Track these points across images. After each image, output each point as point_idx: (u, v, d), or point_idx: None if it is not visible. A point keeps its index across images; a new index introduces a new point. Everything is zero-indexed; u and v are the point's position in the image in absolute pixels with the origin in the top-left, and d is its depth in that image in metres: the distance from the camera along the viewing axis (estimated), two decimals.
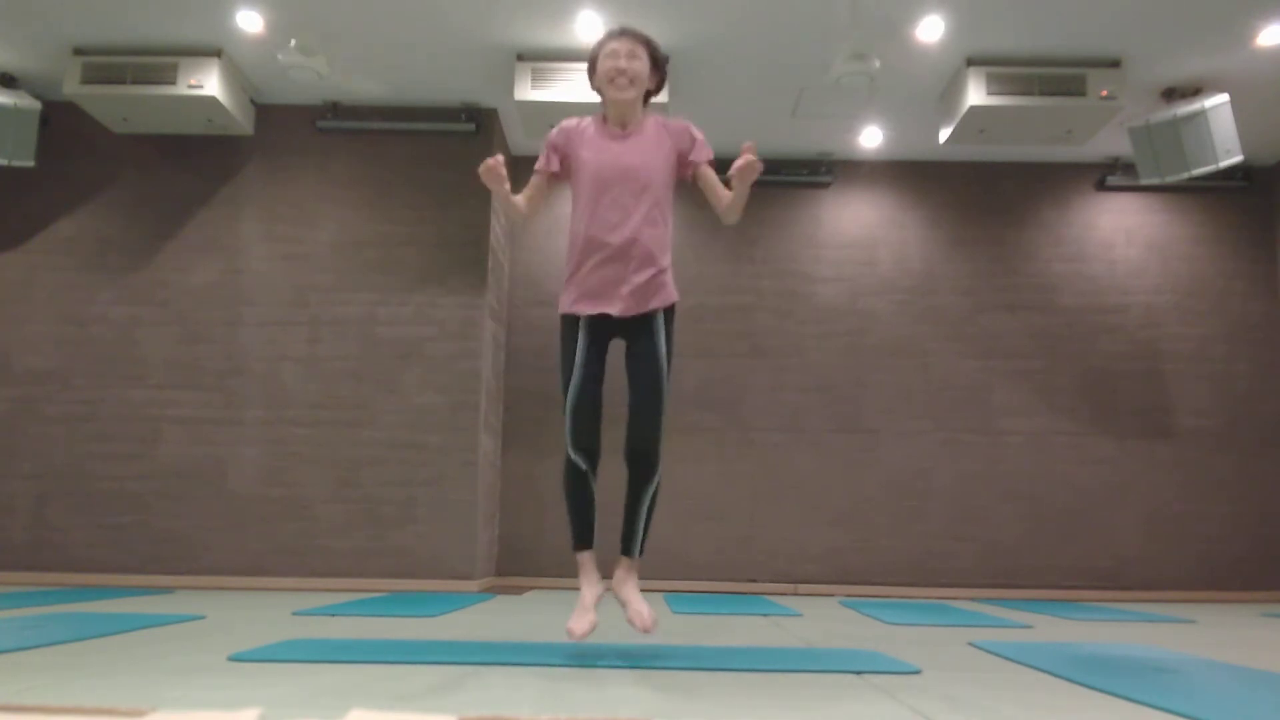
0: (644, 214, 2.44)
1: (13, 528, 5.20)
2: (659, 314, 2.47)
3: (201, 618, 3.37)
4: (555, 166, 2.54)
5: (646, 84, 2.52)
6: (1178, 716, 1.74)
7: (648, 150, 2.49)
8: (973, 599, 5.40)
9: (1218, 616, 4.48)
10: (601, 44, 2.54)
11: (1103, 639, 3.33)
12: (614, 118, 2.52)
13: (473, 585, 5.12)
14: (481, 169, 2.34)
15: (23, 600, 3.97)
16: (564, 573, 5.46)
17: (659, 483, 2.44)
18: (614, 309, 2.41)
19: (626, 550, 2.46)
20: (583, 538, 2.49)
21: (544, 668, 2.25)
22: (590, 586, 2.42)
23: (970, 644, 3.02)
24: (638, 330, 2.45)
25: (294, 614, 3.62)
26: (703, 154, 2.54)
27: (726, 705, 1.82)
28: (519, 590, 5.23)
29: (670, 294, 2.50)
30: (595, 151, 2.48)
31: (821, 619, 3.88)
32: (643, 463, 2.40)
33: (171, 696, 1.77)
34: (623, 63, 2.46)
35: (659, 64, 2.55)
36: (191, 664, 2.22)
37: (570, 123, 2.56)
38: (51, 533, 5.19)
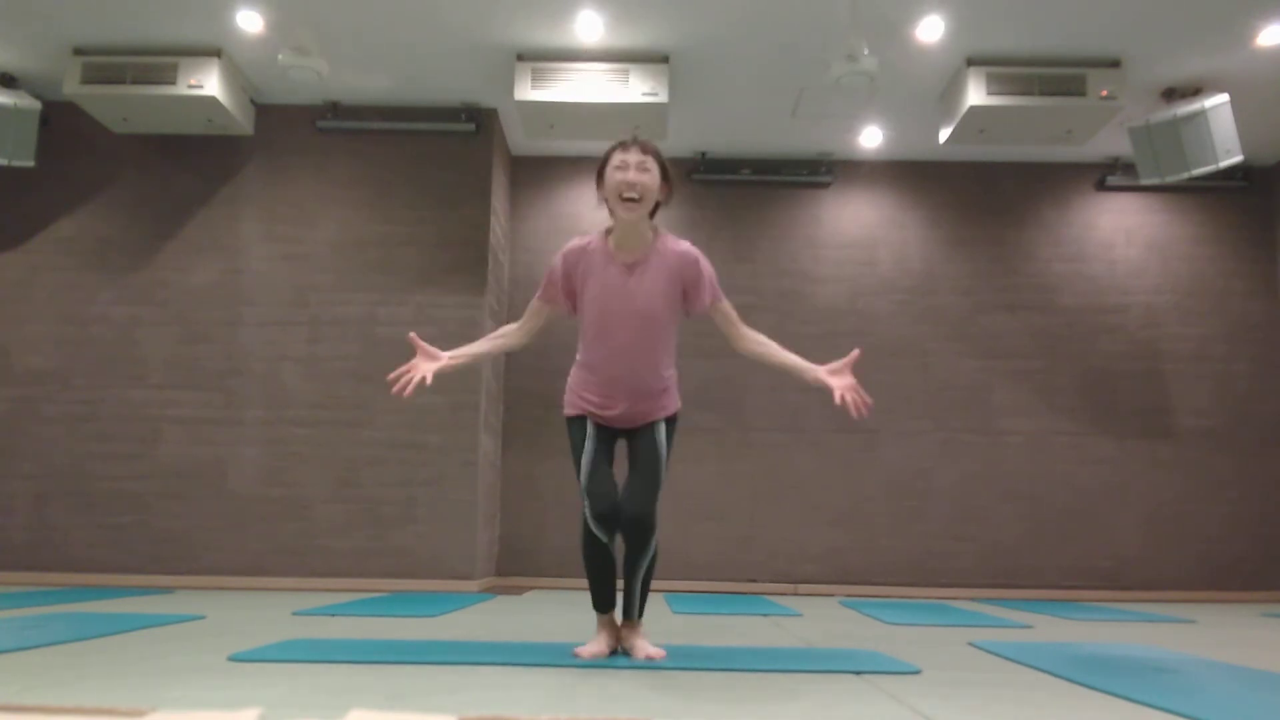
0: (650, 348, 2.45)
1: (13, 528, 5.20)
2: (660, 420, 2.51)
3: (201, 618, 3.37)
4: (560, 302, 2.48)
5: (655, 197, 2.41)
6: (1178, 716, 1.74)
7: (654, 286, 2.42)
8: (973, 599, 5.40)
9: (1218, 616, 4.48)
10: (610, 154, 2.44)
11: (1103, 639, 3.33)
12: (621, 241, 2.42)
13: (473, 585, 5.12)
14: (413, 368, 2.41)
15: (23, 600, 3.97)
16: (564, 573, 5.46)
17: (656, 550, 2.45)
18: (617, 424, 2.49)
19: (628, 615, 2.52)
20: (603, 604, 2.54)
21: (544, 668, 2.25)
22: (606, 637, 2.52)
23: (970, 644, 3.02)
24: (639, 434, 2.50)
25: (294, 614, 3.62)
26: (708, 298, 2.46)
27: (726, 705, 1.82)
28: (519, 590, 5.23)
29: (673, 405, 2.54)
30: (601, 286, 2.42)
31: (821, 619, 3.88)
32: (637, 529, 2.38)
33: (171, 696, 1.77)
34: (632, 175, 2.36)
35: (668, 176, 2.45)
36: (191, 664, 2.22)
37: (574, 248, 2.46)
38: (51, 533, 5.19)
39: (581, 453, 2.48)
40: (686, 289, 2.44)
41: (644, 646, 2.45)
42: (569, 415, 2.54)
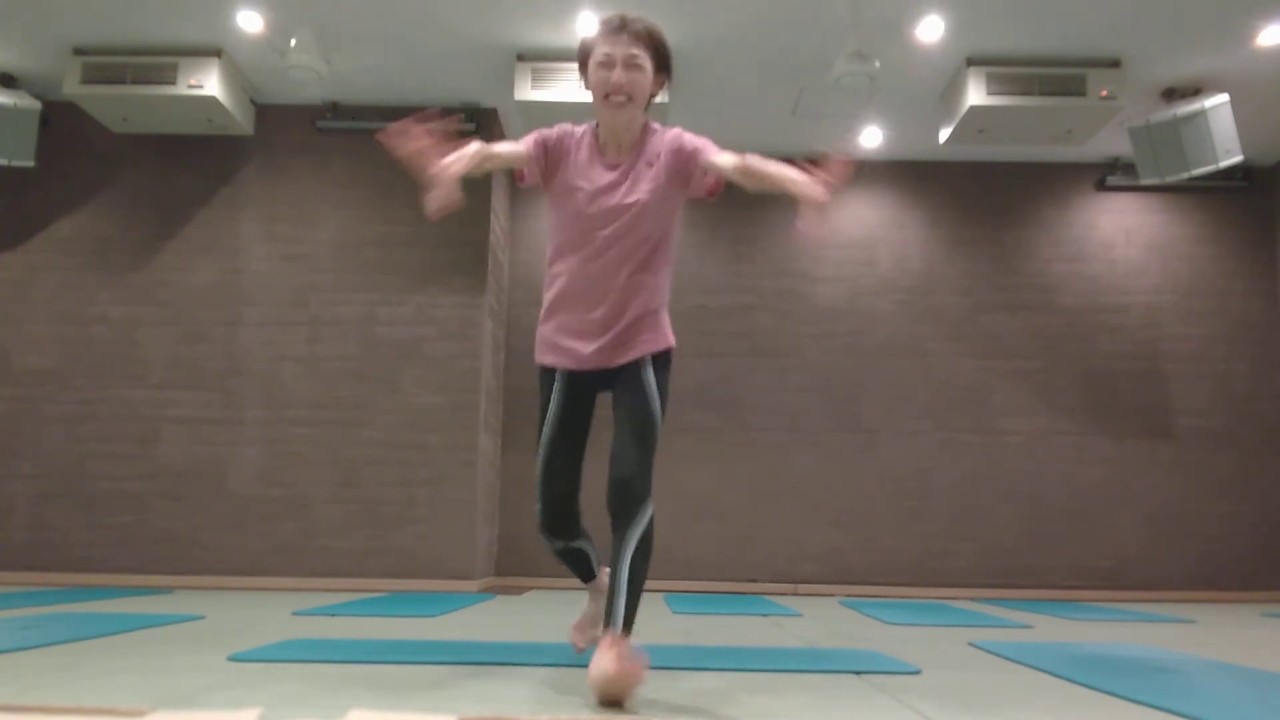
0: (637, 263, 2.04)
1: (13, 528, 5.20)
2: (646, 360, 2.04)
3: (201, 618, 3.37)
4: (534, 170, 2.09)
5: (649, 93, 2.06)
6: (1178, 716, 1.74)
7: (644, 183, 2.04)
8: (973, 599, 5.40)
9: (1218, 616, 4.48)
10: (594, 42, 2.04)
11: (1103, 639, 3.33)
12: (607, 138, 2.08)
13: (472, 585, 5.12)
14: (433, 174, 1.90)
15: (23, 600, 3.97)
16: (563, 573, 5.44)
17: (649, 532, 1.91)
18: (590, 363, 2.04)
19: (608, 620, 1.87)
20: (583, 575, 2.31)
21: (544, 668, 2.25)
22: (597, 604, 2.30)
23: (970, 644, 3.02)
24: (622, 380, 2.03)
25: (294, 614, 3.62)
26: (699, 154, 2.02)
27: (727, 705, 1.82)
28: (519, 590, 5.23)
29: (662, 338, 2.08)
30: (582, 183, 2.05)
31: (821, 619, 3.88)
32: (623, 495, 1.89)
33: (171, 696, 1.77)
34: (618, 74, 1.98)
35: (666, 65, 2.09)
36: (191, 664, 2.22)
37: (567, 131, 2.12)
38: (51, 533, 5.19)
39: (544, 421, 2.08)
40: (683, 171, 2.04)
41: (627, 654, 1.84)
42: (540, 364, 2.14)
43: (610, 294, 2.02)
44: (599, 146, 2.10)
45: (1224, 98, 4.86)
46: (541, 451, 2.07)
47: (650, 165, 2.06)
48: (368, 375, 5.30)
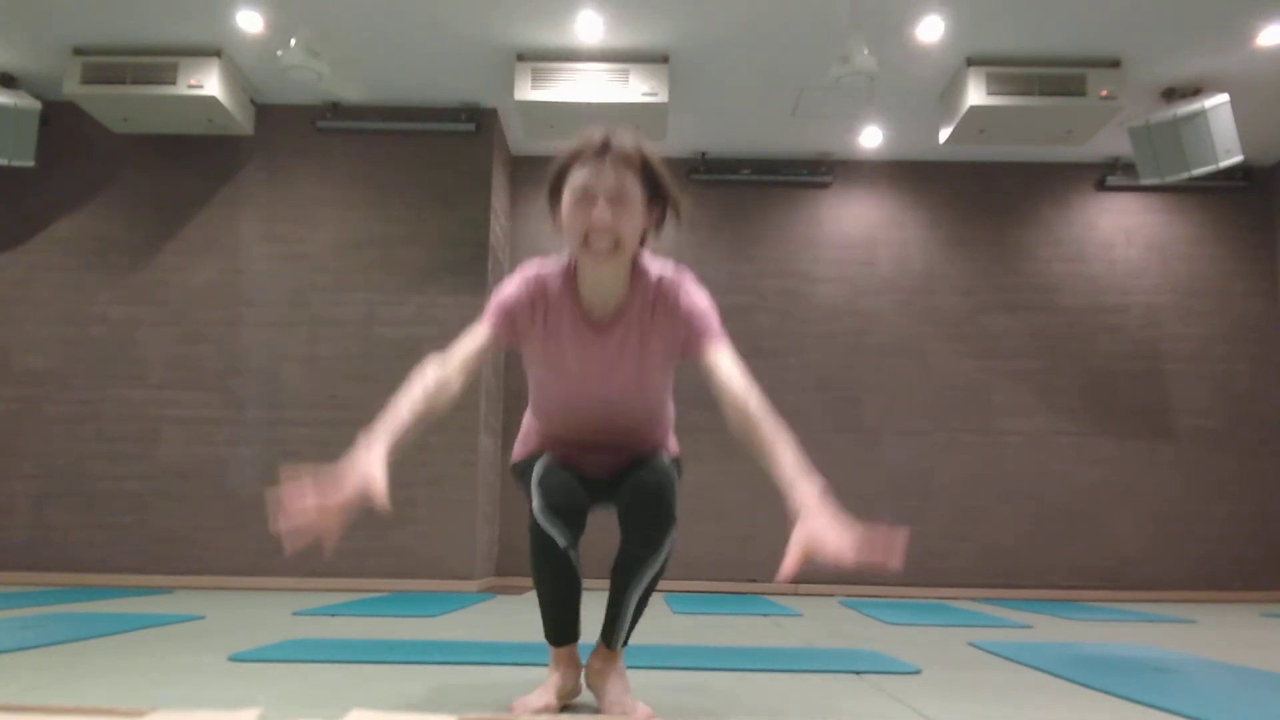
0: (635, 409, 1.79)
1: (13, 528, 5.20)
2: (659, 450, 1.82)
3: (201, 618, 3.37)
4: (505, 340, 1.72)
5: (640, 234, 1.64)
6: (1178, 716, 1.75)
7: (638, 345, 1.69)
8: (973, 599, 5.40)
9: (1218, 616, 4.48)
10: (569, 164, 1.62)
11: (1103, 639, 3.33)
12: (591, 293, 1.67)
13: (472, 585, 5.12)
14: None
15: (23, 600, 3.97)
16: None
17: (669, 559, 1.73)
18: (594, 471, 1.80)
19: (608, 639, 1.74)
20: (561, 633, 1.76)
21: (544, 668, 2.25)
22: (560, 680, 1.76)
23: (970, 644, 3.02)
24: (629, 465, 1.78)
25: (294, 614, 3.62)
26: (704, 340, 1.66)
27: (727, 705, 1.82)
28: (519, 590, 5.23)
29: (671, 444, 1.91)
30: (562, 346, 1.70)
31: (821, 619, 3.88)
32: (656, 504, 1.66)
33: (171, 696, 1.77)
34: (601, 214, 1.57)
35: (663, 191, 1.64)
36: (191, 664, 2.22)
37: (536, 278, 1.70)
38: (51, 533, 5.19)
39: (532, 472, 1.76)
40: (680, 351, 1.71)
41: (621, 695, 1.69)
42: (519, 460, 1.89)
43: (608, 433, 1.78)
44: (579, 301, 1.68)
45: (1224, 98, 4.86)
46: (539, 470, 1.74)
47: (644, 321, 1.68)
48: (368, 375, 5.30)
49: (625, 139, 1.60)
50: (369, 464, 1.48)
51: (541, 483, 1.70)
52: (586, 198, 1.57)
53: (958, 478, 5.82)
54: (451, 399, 1.63)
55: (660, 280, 1.68)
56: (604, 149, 1.58)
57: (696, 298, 1.67)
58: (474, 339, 1.69)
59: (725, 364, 1.62)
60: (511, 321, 1.69)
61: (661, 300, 1.67)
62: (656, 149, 1.65)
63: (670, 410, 1.89)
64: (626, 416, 1.78)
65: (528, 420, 1.90)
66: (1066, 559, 5.73)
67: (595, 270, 1.63)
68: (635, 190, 1.58)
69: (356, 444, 1.31)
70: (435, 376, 1.63)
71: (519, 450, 1.90)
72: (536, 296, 1.69)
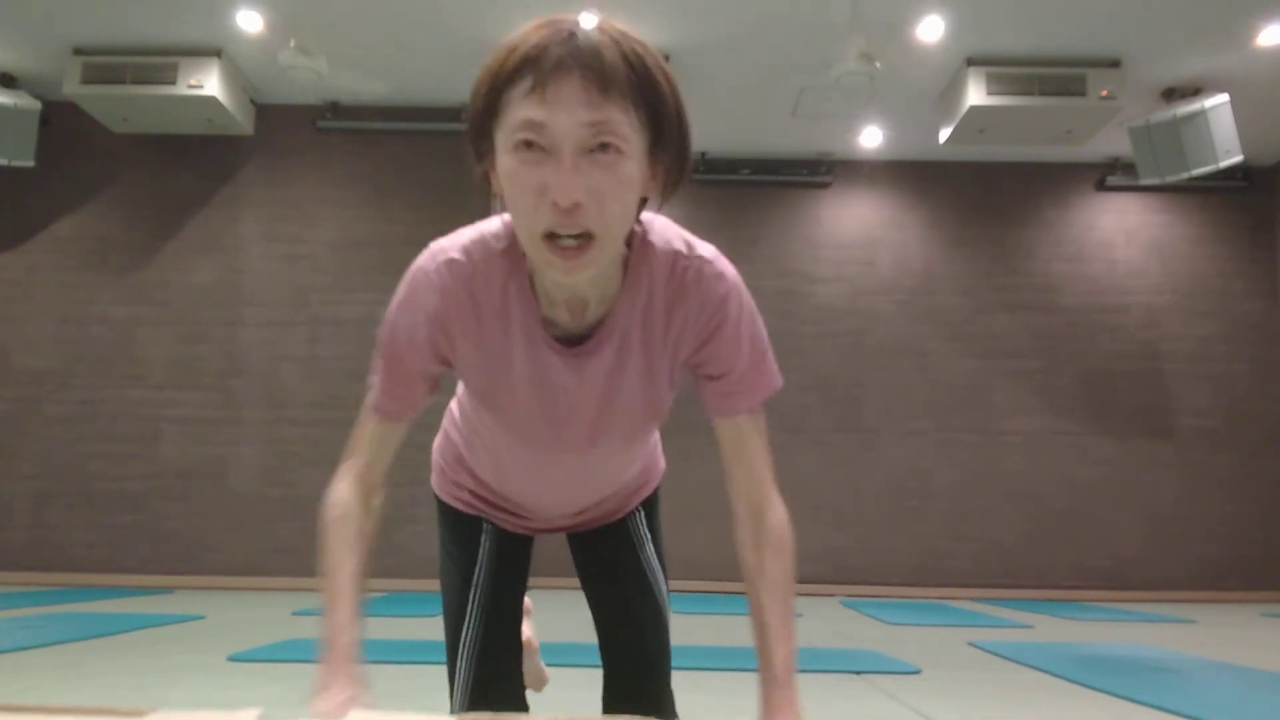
0: (611, 489, 1.25)
1: (13, 528, 5.20)
2: (634, 514, 1.35)
3: (201, 618, 3.37)
4: (414, 405, 1.09)
5: (636, 208, 0.90)
6: (1178, 716, 1.75)
7: (633, 374, 1.03)
8: (973, 599, 5.40)
9: (1218, 616, 4.48)
10: (502, 83, 0.84)
11: (1103, 639, 3.32)
12: (553, 298, 0.98)
13: None
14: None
15: (23, 600, 3.97)
16: (559, 572, 5.44)
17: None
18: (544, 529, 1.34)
19: None
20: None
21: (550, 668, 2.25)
22: None
23: (970, 644, 3.02)
24: (599, 542, 1.35)
25: (294, 614, 3.62)
26: (737, 402, 1.01)
27: (727, 705, 1.82)
28: None
29: (651, 483, 1.37)
30: (514, 379, 1.04)
31: (821, 619, 3.88)
32: (646, 703, 1.30)
33: (171, 696, 1.77)
34: (565, 182, 0.81)
35: (671, 126, 0.87)
36: (191, 664, 2.22)
37: (452, 289, 1.00)
38: (51, 533, 5.19)
39: (456, 575, 1.27)
40: (702, 366, 1.01)
41: None
42: (442, 501, 1.34)
43: (569, 495, 1.22)
44: (536, 308, 0.99)
45: (1224, 98, 4.86)
46: (469, 627, 1.24)
47: (650, 334, 1.00)
48: (368, 375, 5.30)
49: (604, 31, 0.83)
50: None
51: (478, 665, 1.21)
52: (536, 151, 0.81)
53: (958, 478, 5.81)
54: (369, 532, 1.07)
55: (680, 268, 0.96)
56: (572, 49, 0.81)
57: (744, 323, 0.98)
58: (371, 438, 1.11)
59: (758, 462, 1.03)
60: (409, 377, 1.04)
61: (682, 303, 0.97)
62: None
63: (656, 442, 1.36)
64: (605, 485, 1.22)
65: (457, 441, 1.27)
66: (1066, 559, 5.73)
67: (559, 281, 0.90)
68: (628, 128, 0.82)
69: (322, 676, 0.87)
70: (355, 528, 1.04)
71: (439, 480, 1.33)
72: (458, 308, 0.99)
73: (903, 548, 5.73)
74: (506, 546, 1.31)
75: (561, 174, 0.80)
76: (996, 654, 2.74)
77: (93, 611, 3.50)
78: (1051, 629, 3.70)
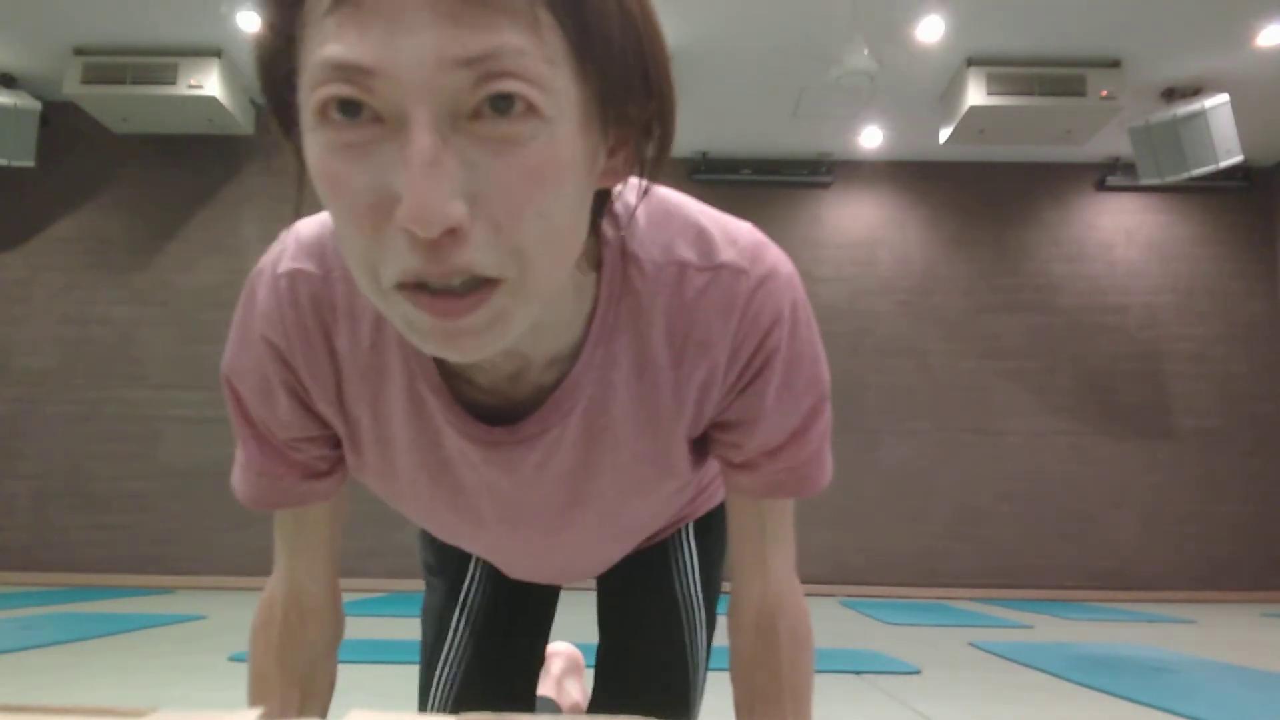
0: (624, 547, 0.91)
1: (13, 528, 5.20)
2: (680, 532, 1.01)
3: (202, 618, 3.37)
4: (313, 488, 0.76)
5: (583, 208, 0.50)
6: (1178, 717, 1.75)
7: (584, 472, 0.67)
8: (973, 599, 5.40)
9: (1218, 616, 4.48)
10: (291, 5, 0.45)
11: (1103, 639, 3.32)
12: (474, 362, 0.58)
13: None
14: None
15: (23, 600, 3.97)
16: None
17: None
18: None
19: None
20: None
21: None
22: None
23: (970, 644, 3.02)
24: (626, 570, 1.00)
25: None
26: (784, 480, 0.70)
27: (727, 705, 1.82)
28: None
29: (704, 500, 0.96)
30: (399, 464, 0.73)
31: (822, 619, 3.89)
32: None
33: (171, 696, 1.77)
34: (426, 190, 0.41)
35: (621, 55, 0.46)
36: (191, 664, 2.22)
37: (282, 307, 0.64)
38: (51, 533, 5.19)
39: (435, 595, 1.12)
40: (723, 421, 0.68)
41: None
42: (424, 554, 1.17)
43: (588, 562, 0.92)
44: (430, 368, 0.62)
45: (1224, 98, 4.86)
46: (444, 666, 1.03)
47: (632, 396, 0.64)
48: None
49: None
50: None
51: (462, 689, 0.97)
52: (366, 126, 0.44)
53: (958, 478, 5.81)
54: (331, 642, 0.84)
55: (693, 289, 0.64)
56: None
57: (798, 364, 0.74)
58: (282, 539, 0.79)
59: (778, 558, 0.77)
60: (288, 454, 0.71)
61: (701, 342, 0.64)
62: None
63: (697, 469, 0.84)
64: (625, 544, 0.90)
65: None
66: (1066, 559, 5.72)
67: (451, 357, 0.50)
68: (542, 61, 0.43)
69: None
70: (278, 638, 0.76)
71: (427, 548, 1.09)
72: (298, 356, 0.66)
73: (903, 548, 5.73)
74: (505, 588, 1.00)
75: (414, 169, 0.42)
76: (996, 654, 2.74)
77: (93, 611, 3.50)
78: (1051, 629, 3.70)
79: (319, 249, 0.63)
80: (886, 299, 6.01)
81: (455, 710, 0.92)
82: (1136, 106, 5.08)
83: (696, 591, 0.97)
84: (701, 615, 0.98)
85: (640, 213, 0.61)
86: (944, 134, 5.20)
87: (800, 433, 0.66)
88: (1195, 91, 5.01)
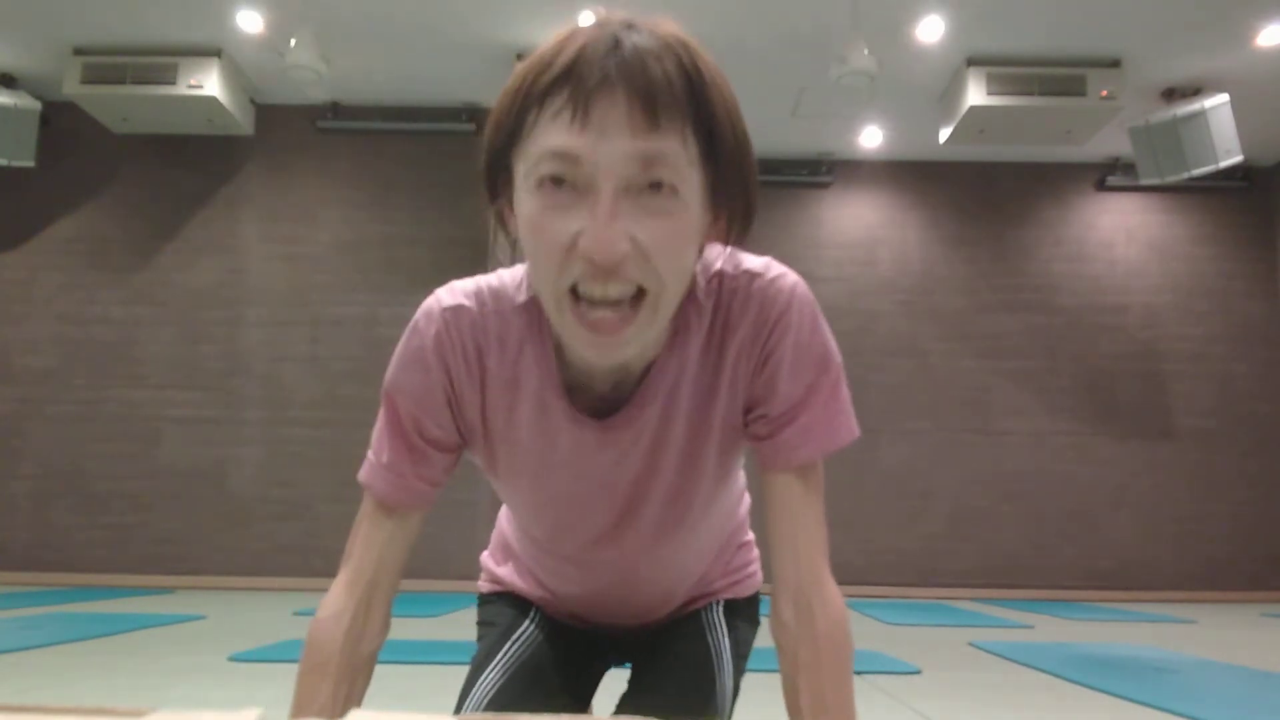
0: (682, 573, 1.07)
1: (13, 528, 5.20)
2: (713, 606, 1.15)
3: (202, 618, 3.37)
4: (424, 493, 0.90)
5: (693, 259, 0.76)
6: (1178, 717, 1.75)
7: (686, 438, 0.86)
8: (973, 599, 5.40)
9: (1218, 616, 4.48)
10: (524, 104, 0.70)
11: (1103, 639, 3.32)
12: (590, 371, 0.81)
13: (474, 585, 5.12)
14: None
15: (23, 600, 3.97)
16: None
17: None
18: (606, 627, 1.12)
19: None
20: None
21: None
22: None
23: (970, 644, 3.02)
24: (666, 631, 1.11)
25: (294, 614, 3.62)
26: (796, 455, 0.85)
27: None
28: None
29: (748, 582, 1.21)
30: (541, 454, 0.87)
31: None
32: None
33: (171, 696, 1.77)
34: (602, 231, 0.65)
35: (734, 160, 0.76)
36: (191, 664, 2.22)
37: (448, 333, 0.86)
38: (51, 533, 5.19)
39: (484, 646, 1.10)
40: (752, 400, 0.85)
41: None
42: (485, 593, 1.19)
43: (643, 586, 1.03)
44: (557, 377, 0.83)
45: (1224, 98, 4.86)
46: (485, 675, 1.08)
47: (703, 383, 0.84)
48: (369, 376, 5.30)
49: (655, 35, 0.72)
50: None
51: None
52: (567, 190, 0.67)
53: (958, 478, 5.81)
54: (375, 647, 0.95)
55: (727, 291, 0.83)
56: (614, 64, 0.66)
57: (807, 340, 0.83)
58: (368, 539, 0.92)
59: (809, 542, 0.85)
60: (424, 458, 0.86)
61: (734, 331, 0.82)
62: None
63: (738, 501, 1.13)
64: (675, 569, 1.02)
65: (507, 542, 1.15)
66: (1066, 559, 5.73)
67: (591, 361, 0.76)
68: (685, 164, 0.69)
69: None
70: (339, 659, 0.87)
71: (488, 581, 1.18)
72: (457, 372, 0.84)
73: (903, 548, 5.73)
74: (563, 635, 1.08)
75: (599, 220, 0.65)
76: (997, 654, 2.74)
77: (93, 611, 3.50)
78: (1051, 629, 3.70)
79: (475, 294, 0.87)
80: (886, 299, 6.01)
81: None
82: (1136, 106, 5.08)
83: (724, 646, 1.10)
84: (728, 656, 1.09)
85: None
86: (944, 134, 5.20)
87: (814, 388, 0.82)
88: (1195, 91, 5.01)
